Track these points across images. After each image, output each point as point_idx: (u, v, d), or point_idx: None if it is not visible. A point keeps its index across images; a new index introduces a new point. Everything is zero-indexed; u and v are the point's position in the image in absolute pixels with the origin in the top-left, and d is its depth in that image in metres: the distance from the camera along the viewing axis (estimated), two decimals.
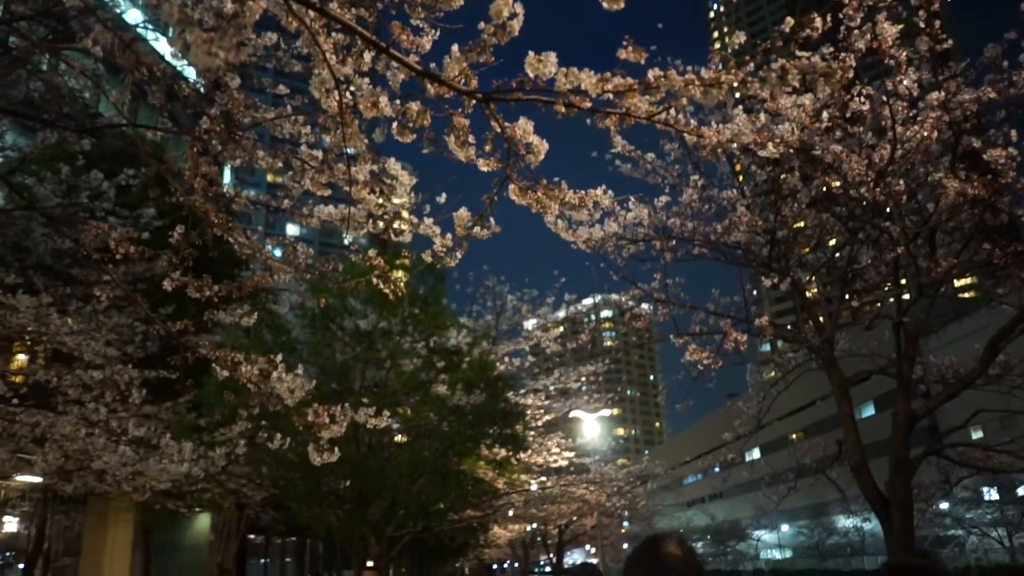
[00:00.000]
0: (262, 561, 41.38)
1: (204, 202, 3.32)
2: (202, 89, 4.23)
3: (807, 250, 8.72)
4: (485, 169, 3.40)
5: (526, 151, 3.09)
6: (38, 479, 13.90)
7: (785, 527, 64.13)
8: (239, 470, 11.57)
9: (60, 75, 9.51)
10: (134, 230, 9.09)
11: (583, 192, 3.46)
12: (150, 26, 7.19)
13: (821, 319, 8.23)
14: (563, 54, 2.84)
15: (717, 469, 77.62)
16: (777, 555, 65.85)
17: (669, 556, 2.16)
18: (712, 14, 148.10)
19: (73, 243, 5.94)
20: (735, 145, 3.25)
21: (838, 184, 6.53)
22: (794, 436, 58.27)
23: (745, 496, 65.84)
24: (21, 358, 11.87)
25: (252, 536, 35.52)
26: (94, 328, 7.47)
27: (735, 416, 12.53)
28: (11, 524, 28.66)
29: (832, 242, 8.59)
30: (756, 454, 65.74)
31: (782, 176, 7.54)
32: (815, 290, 8.92)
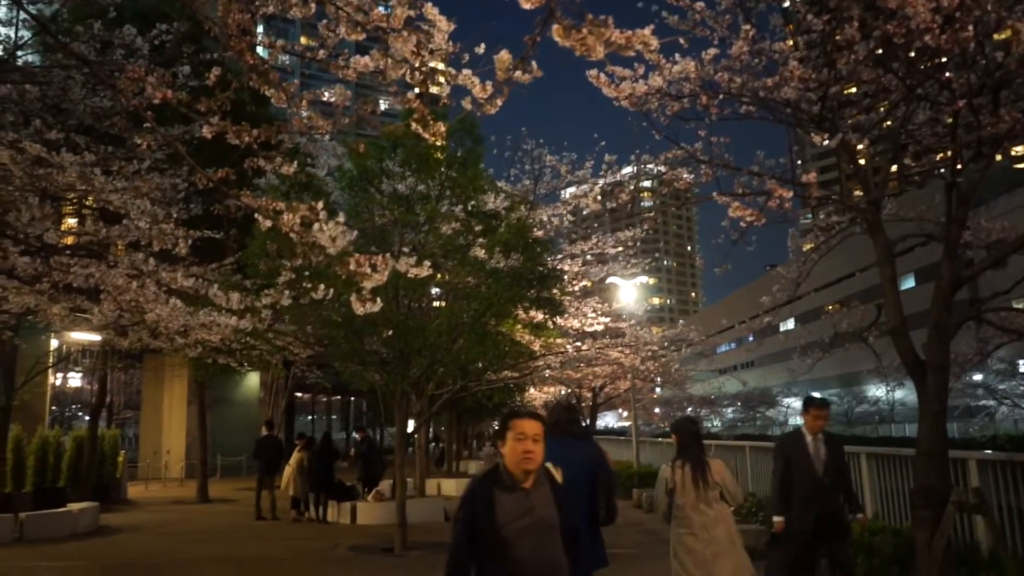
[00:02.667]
0: (309, 418, 43.70)
1: (238, 43, 3.23)
2: None
3: (858, 114, 8.36)
4: (527, 6, 3.24)
5: None
6: (96, 336, 14.59)
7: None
8: (285, 328, 11.97)
9: None
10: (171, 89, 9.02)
11: (630, 32, 3.30)
12: None
13: (870, 181, 7.99)
14: None
15: (751, 338, 78.55)
16: None
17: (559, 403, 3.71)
18: None
19: (111, 91, 5.90)
20: None
21: (901, 33, 6.12)
22: (830, 308, 58.22)
23: (777, 365, 66.95)
24: (71, 222, 12.18)
25: (299, 394, 37.38)
26: (139, 184, 7.56)
27: (773, 284, 12.49)
28: (75, 380, 30.37)
29: (887, 101, 8.21)
30: (791, 324, 66.19)
31: (839, 26, 7.11)
32: (864, 151, 8.60)
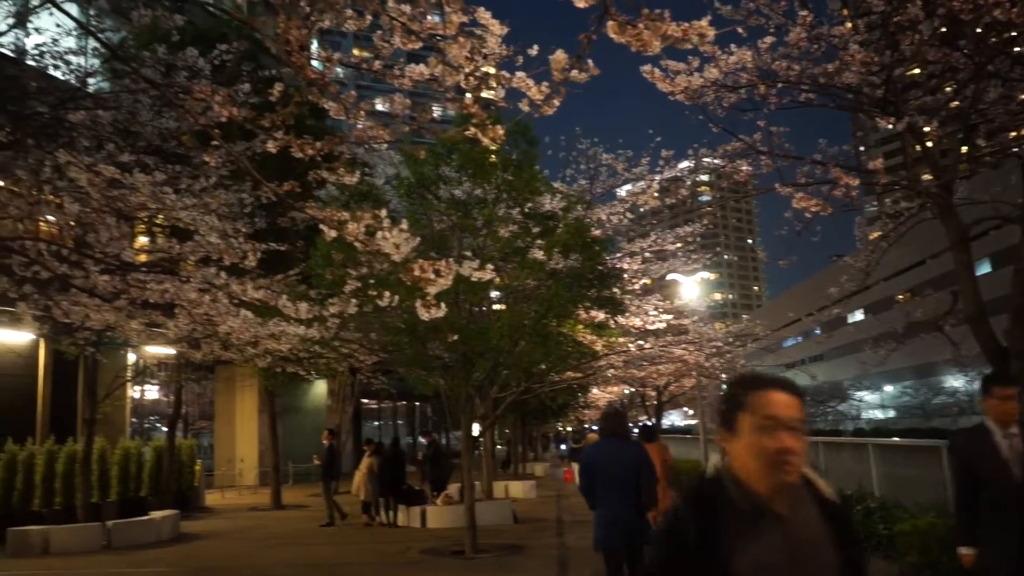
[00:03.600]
0: (375, 424, 44.38)
1: (299, 58, 3.31)
2: None
3: (924, 96, 8.07)
4: (582, 5, 3.24)
5: None
6: (171, 350, 15.12)
7: (888, 388, 63.34)
8: (350, 335, 12.19)
9: None
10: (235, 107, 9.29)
11: (686, 24, 3.27)
12: None
13: (939, 164, 7.71)
14: None
15: (818, 331, 76.57)
16: (879, 415, 65.48)
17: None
18: None
19: (180, 111, 6.11)
20: None
21: (968, 9, 5.91)
22: (900, 297, 56.33)
23: (847, 357, 65.04)
24: (142, 240, 12.66)
25: (365, 400, 38.01)
26: (207, 201, 7.82)
27: (840, 274, 12.16)
28: (152, 392, 31.49)
29: (955, 80, 7.92)
30: (859, 315, 64.33)
31: (901, 6, 6.89)
32: (932, 133, 8.31)
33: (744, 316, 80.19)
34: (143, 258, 10.15)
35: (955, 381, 49.95)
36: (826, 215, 6.66)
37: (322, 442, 17.03)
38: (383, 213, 3.54)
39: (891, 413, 63.75)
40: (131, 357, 19.54)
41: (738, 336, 27.09)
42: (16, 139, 7.55)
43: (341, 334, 11.50)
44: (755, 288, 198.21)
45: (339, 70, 5.26)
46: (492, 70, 4.37)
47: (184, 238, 8.91)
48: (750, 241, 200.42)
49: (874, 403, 66.31)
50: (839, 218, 9.21)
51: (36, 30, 9.10)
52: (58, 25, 9.27)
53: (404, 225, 3.57)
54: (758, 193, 8.31)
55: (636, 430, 12.90)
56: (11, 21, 8.83)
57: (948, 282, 9.18)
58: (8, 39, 9.18)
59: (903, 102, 7.58)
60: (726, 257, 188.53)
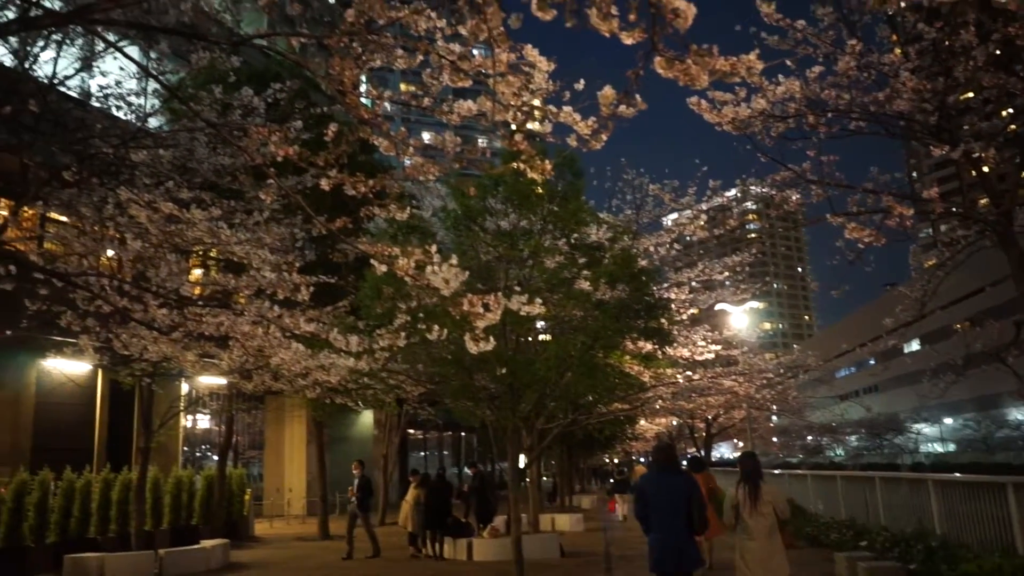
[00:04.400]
0: (421, 454, 44.44)
1: (352, 98, 3.40)
2: None
3: (980, 121, 7.90)
4: (629, 42, 3.26)
5: (673, 16, 2.93)
6: (223, 380, 15.42)
7: (948, 420, 61.24)
8: (398, 367, 12.28)
9: None
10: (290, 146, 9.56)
11: (734, 58, 3.27)
12: None
13: (997, 190, 7.52)
14: None
15: (872, 362, 74.57)
16: (938, 448, 63.25)
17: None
18: None
19: (237, 150, 6.32)
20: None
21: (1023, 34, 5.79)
22: (959, 326, 54.56)
23: (904, 389, 63.10)
24: (197, 273, 13.02)
25: (411, 431, 38.13)
26: (261, 237, 8.02)
27: (894, 304, 11.85)
28: (204, 422, 32.08)
29: (1012, 105, 7.74)
30: (916, 346, 62.48)
31: (953, 32, 6.78)
32: (989, 159, 8.12)
33: (795, 346, 78.63)
34: (198, 291, 10.44)
35: (1020, 414, 48.07)
36: (880, 245, 6.53)
37: (352, 472, 16.81)
38: (433, 249, 3.59)
39: (951, 447, 61.54)
40: (184, 387, 19.97)
41: (789, 367, 26.56)
42: (81, 177, 7.86)
43: (389, 365, 11.60)
44: (806, 317, 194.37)
45: (387, 105, 5.37)
46: (538, 102, 4.42)
47: (237, 271, 9.14)
48: (800, 269, 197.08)
49: (933, 436, 64.15)
50: (892, 246, 9.03)
51: (101, 73, 9.50)
52: (121, 68, 9.68)
53: (454, 260, 3.61)
54: (809, 224, 8.21)
55: (684, 462, 12.67)
56: (78, 65, 9.25)
57: (1010, 311, 8.90)
58: (74, 82, 9.61)
59: (957, 128, 7.43)
60: (775, 286, 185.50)
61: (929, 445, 64.39)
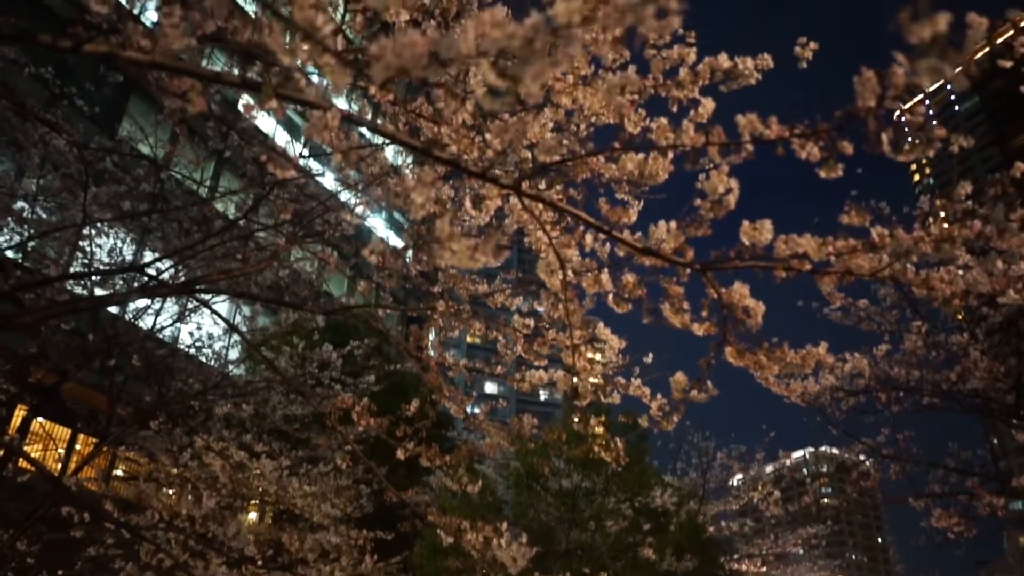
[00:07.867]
0: None
1: (431, 371, 3.58)
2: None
3: None
4: (700, 333, 3.41)
5: (744, 315, 3.09)
6: None
7: None
8: None
9: (299, 261, 10.89)
10: (355, 395, 9.86)
11: (804, 351, 3.36)
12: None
13: None
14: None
15: None
16: None
17: None
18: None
19: (315, 410, 6.56)
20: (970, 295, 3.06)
21: None
22: None
23: None
24: (251, 517, 12.88)
25: None
26: (325, 491, 8.02)
27: None
28: None
29: None
30: None
31: (1021, 314, 6.85)
32: None
33: None
34: (252, 538, 10.26)
35: None
36: (970, 535, 6.12)
37: None
38: (504, 526, 3.56)
39: None
40: None
41: None
42: (163, 422, 8.18)
43: None
44: None
45: (452, 352, 5.60)
46: (604, 368, 4.55)
47: (292, 521, 9.02)
48: (880, 540, 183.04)
49: None
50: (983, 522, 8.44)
51: (197, 326, 10.23)
52: (215, 323, 10.43)
53: (524, 539, 3.55)
54: (890, 503, 7.82)
55: None
56: (174, 318, 10.02)
57: None
58: (168, 332, 10.36)
59: None
60: (854, 558, 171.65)
61: None
